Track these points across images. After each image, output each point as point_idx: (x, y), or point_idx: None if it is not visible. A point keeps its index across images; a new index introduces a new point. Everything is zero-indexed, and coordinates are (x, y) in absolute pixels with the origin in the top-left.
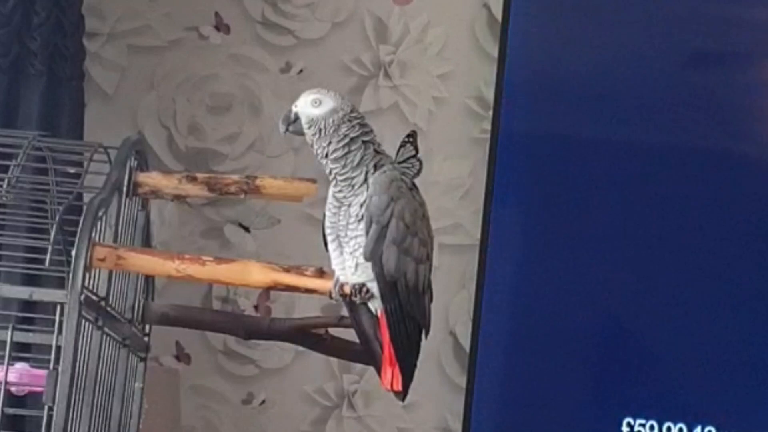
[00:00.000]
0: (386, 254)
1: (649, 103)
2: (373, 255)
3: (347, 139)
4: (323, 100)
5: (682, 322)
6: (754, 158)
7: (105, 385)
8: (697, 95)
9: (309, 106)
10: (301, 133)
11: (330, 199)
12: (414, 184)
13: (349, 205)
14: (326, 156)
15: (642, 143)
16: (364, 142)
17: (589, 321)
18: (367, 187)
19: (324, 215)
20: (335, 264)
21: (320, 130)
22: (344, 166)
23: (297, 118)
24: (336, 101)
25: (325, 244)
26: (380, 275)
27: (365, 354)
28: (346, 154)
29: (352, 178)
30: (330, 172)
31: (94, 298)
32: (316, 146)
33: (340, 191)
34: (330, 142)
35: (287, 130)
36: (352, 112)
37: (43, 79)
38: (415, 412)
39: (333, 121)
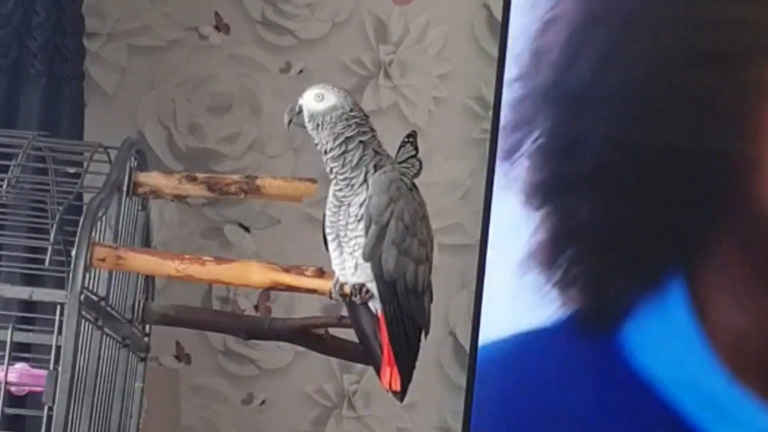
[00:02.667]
0: (385, 255)
1: (648, 103)
2: (372, 255)
3: (342, 138)
4: (326, 95)
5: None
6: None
7: (105, 385)
8: (697, 98)
9: (312, 100)
10: (303, 126)
11: (330, 198)
12: (414, 185)
13: (349, 205)
14: (325, 153)
15: (642, 142)
16: (360, 141)
17: (589, 320)
18: (367, 187)
19: (324, 215)
20: (335, 264)
21: (318, 125)
22: (343, 166)
23: (301, 110)
24: (338, 98)
25: (325, 243)
26: (379, 276)
27: (365, 353)
28: (344, 153)
29: (351, 178)
30: (330, 171)
31: (94, 298)
32: (316, 141)
33: (340, 190)
34: (328, 140)
35: (291, 121)
36: (351, 111)
37: (43, 79)
38: (415, 412)
39: (330, 118)
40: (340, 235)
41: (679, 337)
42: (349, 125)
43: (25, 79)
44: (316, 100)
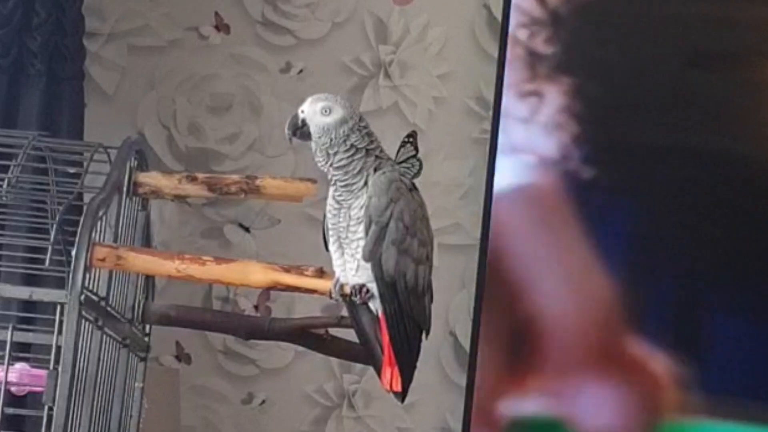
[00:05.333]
0: (386, 255)
1: (648, 102)
2: (373, 256)
3: (353, 150)
4: (333, 108)
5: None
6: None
7: (105, 385)
8: (700, 99)
9: (318, 113)
10: (308, 140)
11: (330, 200)
12: (414, 185)
13: (349, 208)
14: (330, 165)
15: (642, 142)
16: (367, 150)
17: (589, 320)
18: (367, 190)
19: (324, 216)
20: (336, 265)
21: (331, 139)
22: (346, 173)
23: (305, 124)
24: (345, 109)
25: (326, 244)
26: (379, 276)
27: (365, 354)
28: (350, 162)
29: (352, 183)
30: (330, 177)
31: (94, 298)
32: (320, 154)
33: (340, 195)
34: (336, 152)
35: (294, 135)
36: (360, 121)
37: (43, 79)
38: (415, 412)
39: (343, 131)
40: (341, 237)
41: None
42: (362, 136)
43: (25, 79)
44: (323, 114)
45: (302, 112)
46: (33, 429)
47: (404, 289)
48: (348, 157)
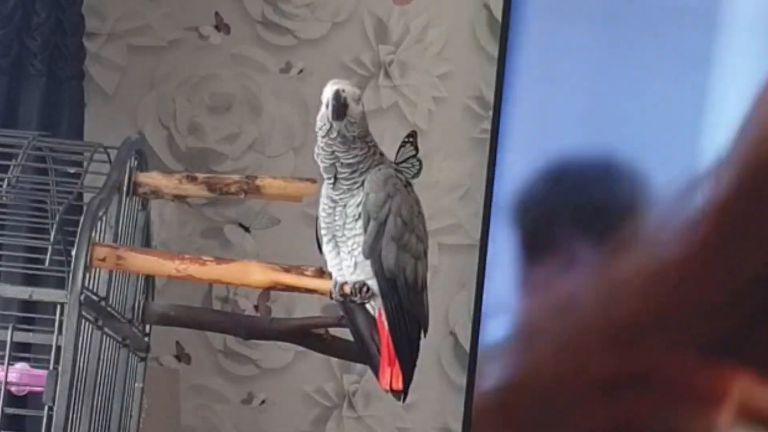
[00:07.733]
0: (385, 251)
1: (647, 102)
2: (372, 252)
3: (366, 147)
4: (360, 101)
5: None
6: None
7: (105, 385)
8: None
9: (354, 99)
10: (340, 119)
11: (324, 199)
12: (408, 182)
13: (345, 206)
14: (341, 157)
15: (641, 142)
16: (370, 146)
17: (589, 321)
18: (363, 188)
19: (317, 218)
20: (332, 265)
21: (363, 129)
22: (353, 171)
23: (346, 104)
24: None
25: (319, 247)
26: (380, 272)
27: (362, 355)
28: (362, 160)
29: (354, 182)
30: (335, 173)
31: (94, 298)
32: (340, 144)
33: (338, 194)
34: (355, 147)
35: (338, 109)
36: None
37: (43, 79)
38: (415, 412)
39: (366, 125)
40: (337, 235)
41: None
42: (369, 133)
43: (25, 79)
44: (356, 102)
45: (343, 91)
46: (33, 429)
47: (404, 284)
48: (363, 154)
